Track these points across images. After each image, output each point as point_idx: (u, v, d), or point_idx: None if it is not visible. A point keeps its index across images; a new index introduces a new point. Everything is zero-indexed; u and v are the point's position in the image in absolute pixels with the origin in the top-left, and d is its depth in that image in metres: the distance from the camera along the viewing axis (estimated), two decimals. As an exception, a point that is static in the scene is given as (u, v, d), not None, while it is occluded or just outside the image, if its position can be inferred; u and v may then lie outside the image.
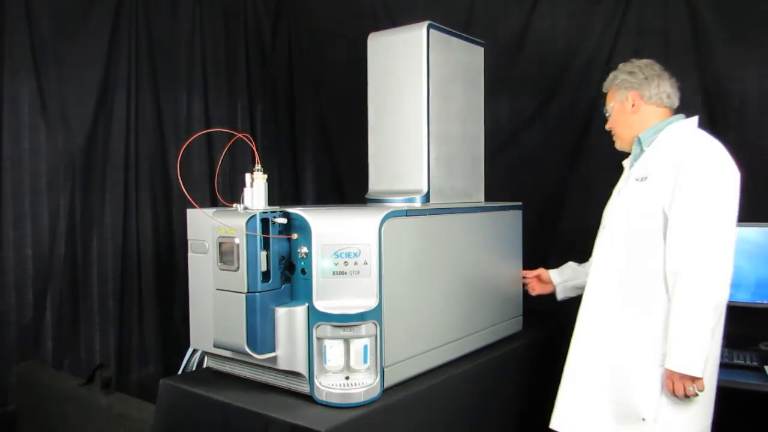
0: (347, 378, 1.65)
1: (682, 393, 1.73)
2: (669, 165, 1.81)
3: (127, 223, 2.88)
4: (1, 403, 2.52)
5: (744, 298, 2.35)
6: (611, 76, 2.08)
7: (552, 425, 1.99)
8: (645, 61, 2.03)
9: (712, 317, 1.70)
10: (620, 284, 1.89)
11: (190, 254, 1.87)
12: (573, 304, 2.44)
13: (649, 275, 1.82)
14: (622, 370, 1.86)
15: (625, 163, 2.08)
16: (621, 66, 2.06)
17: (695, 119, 1.93)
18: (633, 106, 1.99)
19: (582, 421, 1.94)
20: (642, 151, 1.96)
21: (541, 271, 2.42)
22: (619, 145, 2.08)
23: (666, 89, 1.97)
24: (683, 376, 1.72)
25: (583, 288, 2.23)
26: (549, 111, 2.84)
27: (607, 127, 2.11)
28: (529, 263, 2.50)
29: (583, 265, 2.34)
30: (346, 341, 1.63)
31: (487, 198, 2.40)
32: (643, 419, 1.80)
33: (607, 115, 2.10)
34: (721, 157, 1.79)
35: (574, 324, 2.05)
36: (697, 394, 1.73)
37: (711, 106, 2.52)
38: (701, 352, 1.69)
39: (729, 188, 1.76)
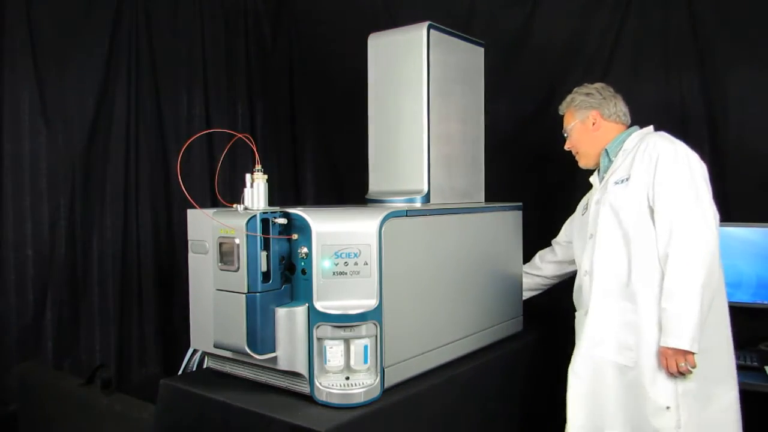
0: (347, 378, 1.65)
1: (675, 369, 1.81)
2: (645, 162, 1.93)
3: (127, 224, 2.88)
4: (2, 403, 2.52)
5: (744, 298, 2.35)
6: (568, 98, 2.22)
7: None
8: (598, 84, 2.20)
9: (700, 292, 1.77)
10: (626, 284, 1.93)
11: (190, 254, 1.86)
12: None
13: (651, 268, 1.89)
14: (637, 365, 1.89)
15: (593, 179, 2.20)
16: (576, 89, 2.21)
17: (651, 126, 2.09)
18: (594, 124, 2.14)
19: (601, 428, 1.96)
20: (610, 161, 2.09)
21: None
22: (584, 163, 2.21)
23: (622, 108, 2.14)
24: (676, 352, 1.79)
25: (530, 290, 2.45)
26: (549, 111, 2.84)
27: (567, 147, 2.23)
28: (529, 263, 2.50)
29: (528, 266, 2.47)
30: (347, 341, 1.63)
31: (487, 198, 2.40)
32: (667, 408, 1.84)
33: (566, 135, 2.22)
34: (688, 149, 1.93)
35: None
36: (690, 371, 1.80)
37: (711, 106, 2.52)
38: (690, 328, 1.77)
39: (702, 175, 1.89)
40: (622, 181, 1.97)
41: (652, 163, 1.90)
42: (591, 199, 2.14)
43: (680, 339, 1.77)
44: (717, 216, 1.86)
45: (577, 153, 2.20)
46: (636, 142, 2.02)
